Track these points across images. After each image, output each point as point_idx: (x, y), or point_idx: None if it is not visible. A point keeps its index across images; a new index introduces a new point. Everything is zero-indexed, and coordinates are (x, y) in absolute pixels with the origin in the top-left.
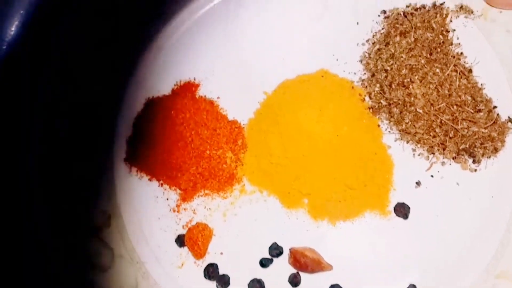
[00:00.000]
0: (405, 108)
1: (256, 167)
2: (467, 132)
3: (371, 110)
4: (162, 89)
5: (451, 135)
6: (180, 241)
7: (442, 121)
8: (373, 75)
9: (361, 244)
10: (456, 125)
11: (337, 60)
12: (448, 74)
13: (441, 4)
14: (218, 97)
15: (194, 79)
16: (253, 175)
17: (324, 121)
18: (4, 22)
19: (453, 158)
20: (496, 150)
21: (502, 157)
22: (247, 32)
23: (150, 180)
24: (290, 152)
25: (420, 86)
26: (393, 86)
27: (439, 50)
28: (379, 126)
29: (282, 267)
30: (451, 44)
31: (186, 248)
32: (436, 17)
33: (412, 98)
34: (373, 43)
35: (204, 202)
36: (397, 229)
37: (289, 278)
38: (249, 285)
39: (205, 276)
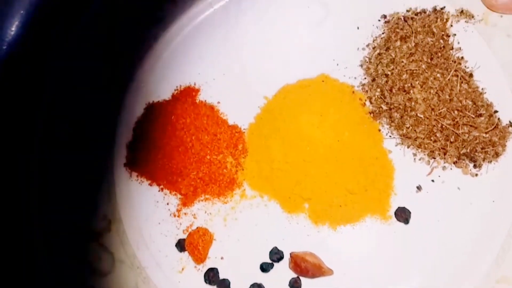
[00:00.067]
0: (406, 113)
1: (257, 172)
2: (468, 136)
3: (371, 114)
4: (162, 94)
5: (452, 140)
6: (181, 245)
7: (443, 126)
8: (373, 79)
9: (361, 249)
10: (457, 130)
11: (337, 64)
12: (449, 79)
13: (442, 8)
14: (219, 102)
15: (194, 84)
16: (253, 180)
17: (324, 125)
18: (4, 22)
19: (454, 163)
20: (497, 154)
21: (503, 161)
22: (247, 37)
23: (150, 185)
24: (291, 156)
25: (421, 91)
26: (394, 91)
27: (439, 54)
28: (379, 130)
29: (283, 271)
30: (452, 48)
31: (186, 252)
32: (436, 21)
33: (413, 103)
34: (373, 48)
35: (205, 207)
36: (398, 233)
37: (289, 283)
38: None
39: (205, 281)
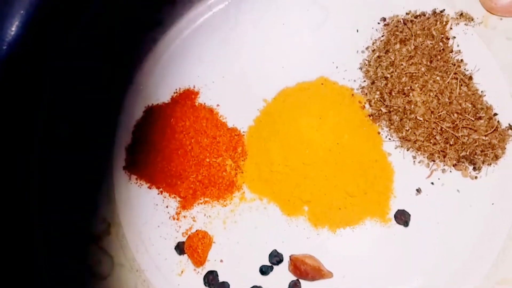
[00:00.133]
0: (406, 115)
1: (256, 175)
2: (468, 139)
3: (371, 117)
4: (162, 97)
5: (451, 143)
6: (180, 248)
7: (443, 129)
8: (373, 82)
9: (361, 252)
10: (457, 133)
11: (337, 67)
12: (448, 82)
13: (441, 11)
14: (218, 105)
15: (194, 86)
16: (253, 183)
17: (324, 128)
18: (4, 23)
19: (453, 166)
20: (496, 157)
21: (503, 164)
22: (247, 40)
23: (149, 188)
24: (290, 159)
25: (421, 94)
26: (393, 94)
27: (439, 57)
28: (379, 133)
29: (282, 274)
30: (451, 51)
31: (186, 255)
32: (436, 24)
33: (413, 106)
34: (373, 51)
35: (204, 210)
36: (397, 236)
37: (289, 286)
38: None
39: (205, 284)
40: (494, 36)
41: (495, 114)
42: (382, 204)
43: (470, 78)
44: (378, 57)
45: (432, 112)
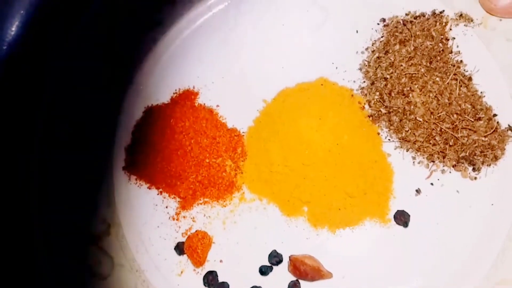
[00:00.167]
0: (405, 116)
1: (256, 175)
2: (467, 140)
3: (370, 118)
4: (161, 97)
5: (451, 143)
6: (180, 249)
7: (442, 129)
8: (372, 83)
9: (361, 252)
10: (456, 133)
11: (336, 68)
12: (448, 83)
13: (441, 12)
14: (218, 105)
15: (193, 87)
16: (252, 183)
17: (323, 129)
18: (4, 23)
19: (453, 166)
20: (496, 158)
21: (502, 165)
22: (247, 40)
23: (149, 188)
24: (290, 160)
25: (420, 95)
26: (393, 95)
27: (438, 58)
28: (379, 134)
29: (282, 275)
30: (451, 52)
31: (185, 256)
32: (435, 25)
33: (412, 107)
34: (372, 51)
35: (204, 210)
36: (397, 237)
37: (288, 286)
38: None
39: (204, 284)
40: (494, 37)
41: (495, 115)
42: (381, 204)
43: (470, 79)
44: (378, 58)
45: (431, 113)
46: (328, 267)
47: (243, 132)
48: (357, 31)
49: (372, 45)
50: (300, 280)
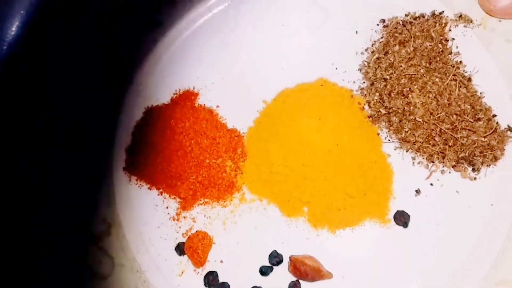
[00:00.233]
0: (405, 117)
1: (256, 176)
2: (467, 140)
3: (370, 118)
4: (162, 98)
5: (450, 144)
6: (180, 249)
7: (442, 130)
8: (372, 84)
9: (361, 252)
10: (456, 134)
11: (336, 69)
12: (447, 83)
13: (440, 13)
14: (218, 106)
15: (194, 88)
16: (252, 184)
17: (323, 129)
18: (4, 23)
19: (452, 167)
20: (495, 158)
21: (502, 165)
22: (246, 41)
23: (149, 188)
24: (290, 160)
25: (420, 95)
26: (393, 95)
27: (438, 59)
28: (378, 134)
29: (282, 275)
30: (451, 53)
31: (186, 256)
32: (435, 26)
33: (412, 107)
34: (372, 52)
35: (204, 211)
36: (396, 237)
37: (289, 286)
38: None
39: (205, 284)
40: (493, 38)
41: (494, 116)
42: (381, 205)
43: (469, 79)
44: (378, 58)
45: (431, 113)
46: (328, 267)
47: (243, 133)
48: (356, 32)
49: (372, 46)
50: (300, 280)
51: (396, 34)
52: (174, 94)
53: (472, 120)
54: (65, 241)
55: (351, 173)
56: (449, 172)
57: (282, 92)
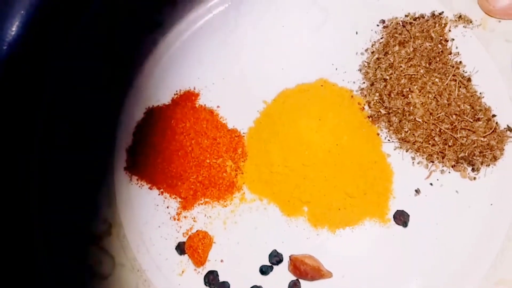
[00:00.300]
0: (405, 117)
1: (256, 176)
2: (466, 140)
3: (370, 118)
4: (162, 98)
5: (450, 144)
6: (181, 248)
7: (441, 130)
8: (372, 84)
9: (360, 252)
10: (455, 134)
11: (336, 69)
12: (447, 84)
13: (440, 13)
14: (218, 106)
15: (194, 88)
16: (253, 184)
17: (323, 130)
18: (4, 23)
19: (452, 167)
20: (495, 158)
21: (501, 165)
22: (247, 42)
23: (150, 188)
24: (290, 160)
25: (419, 96)
26: (392, 95)
27: (438, 59)
28: (378, 134)
29: (282, 274)
30: (450, 53)
31: (186, 255)
32: (435, 26)
33: (411, 107)
34: (372, 53)
35: (204, 210)
36: (396, 236)
37: (289, 286)
38: None
39: (205, 284)
40: (493, 38)
41: (494, 116)
42: (381, 204)
43: (469, 80)
44: (377, 59)
45: (431, 113)
46: (328, 267)
47: (243, 133)
48: (356, 32)
49: (372, 46)
50: (300, 280)
51: (396, 35)
52: (174, 94)
53: (471, 120)
54: (65, 241)
55: (351, 173)
56: (449, 172)
57: (282, 93)
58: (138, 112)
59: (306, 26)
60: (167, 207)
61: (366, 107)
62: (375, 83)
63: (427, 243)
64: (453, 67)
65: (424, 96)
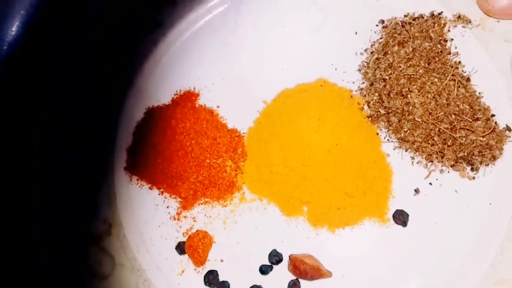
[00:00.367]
0: (404, 116)
1: (256, 176)
2: (465, 140)
3: (370, 118)
4: (162, 98)
5: (449, 144)
6: (181, 248)
7: (441, 130)
8: (371, 84)
9: (360, 251)
10: (455, 134)
11: (336, 69)
12: (446, 83)
13: (439, 13)
14: (218, 106)
15: (194, 88)
16: (253, 184)
17: (323, 129)
18: (4, 23)
19: (451, 166)
20: (494, 158)
21: (500, 165)
22: (246, 42)
23: (150, 188)
24: (290, 160)
25: (419, 95)
26: (392, 95)
27: (437, 59)
28: (378, 134)
29: (282, 274)
30: (449, 53)
31: (186, 255)
32: (434, 26)
33: (411, 107)
34: (371, 53)
35: (204, 210)
36: (396, 236)
37: (288, 285)
38: None
39: (205, 283)
40: (492, 38)
41: (493, 116)
42: (380, 204)
43: (468, 79)
44: (377, 59)
45: (430, 113)
46: (327, 266)
47: (243, 133)
48: (356, 33)
49: (371, 47)
50: (300, 279)
51: (395, 35)
52: (174, 94)
53: (470, 120)
54: (65, 241)
55: (350, 172)
56: (448, 172)
57: (282, 93)
58: (138, 112)
59: (306, 26)
60: (167, 207)
61: (366, 107)
62: (374, 83)
63: (427, 242)
64: (452, 67)
65: (423, 96)
